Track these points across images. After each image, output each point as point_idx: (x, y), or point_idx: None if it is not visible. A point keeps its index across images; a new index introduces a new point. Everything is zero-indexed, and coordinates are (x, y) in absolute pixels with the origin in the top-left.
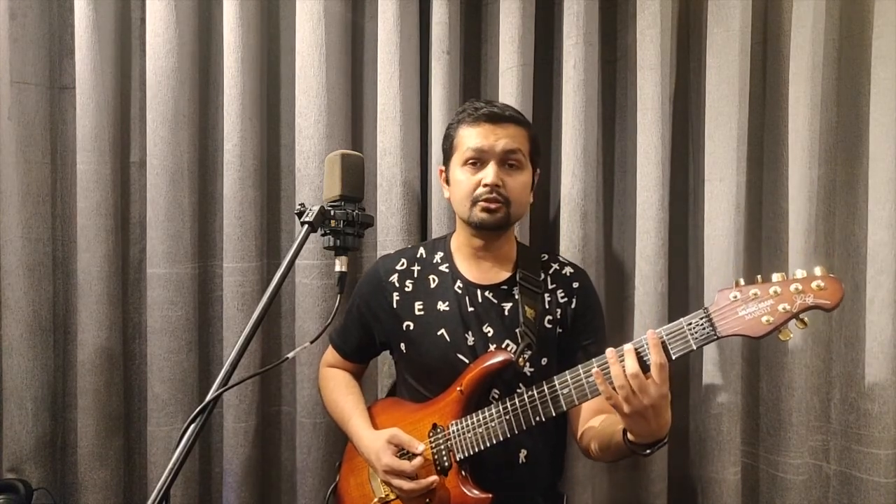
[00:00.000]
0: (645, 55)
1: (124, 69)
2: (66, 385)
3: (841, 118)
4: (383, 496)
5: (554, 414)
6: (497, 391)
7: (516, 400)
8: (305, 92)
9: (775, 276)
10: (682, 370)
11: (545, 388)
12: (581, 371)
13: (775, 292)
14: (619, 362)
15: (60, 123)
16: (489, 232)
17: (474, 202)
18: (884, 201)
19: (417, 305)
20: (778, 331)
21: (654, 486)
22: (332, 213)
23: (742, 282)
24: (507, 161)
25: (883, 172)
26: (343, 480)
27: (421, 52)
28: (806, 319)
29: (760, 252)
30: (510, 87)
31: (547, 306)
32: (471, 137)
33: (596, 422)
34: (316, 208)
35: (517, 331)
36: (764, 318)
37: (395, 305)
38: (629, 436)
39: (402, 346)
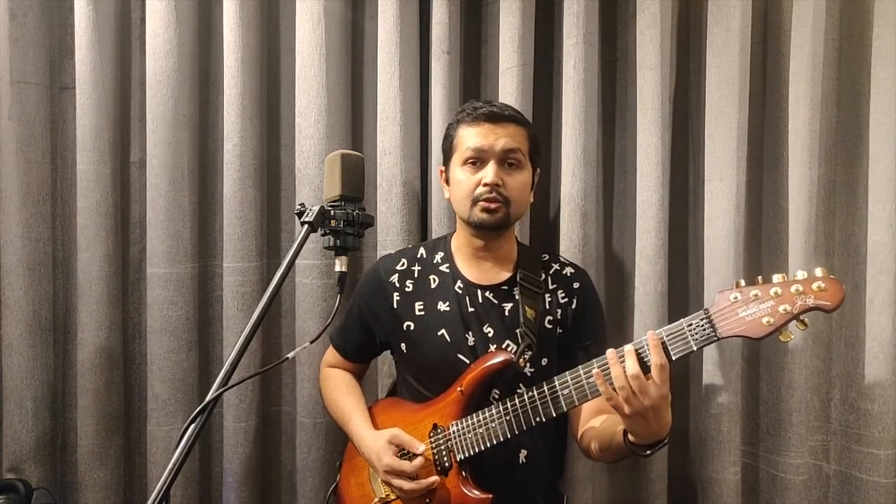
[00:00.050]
0: (645, 55)
1: (124, 69)
2: (66, 384)
3: (841, 118)
4: (384, 496)
5: (554, 414)
6: (497, 391)
7: (516, 400)
8: (305, 92)
9: (776, 277)
10: (682, 370)
11: (545, 388)
12: (581, 372)
13: (776, 293)
14: (620, 363)
15: (60, 123)
16: (489, 232)
17: (474, 202)
18: (884, 201)
19: (418, 305)
20: (778, 332)
21: (654, 486)
22: (332, 213)
23: (742, 283)
24: (506, 160)
25: (883, 172)
26: (343, 480)
27: (421, 52)
28: (806, 320)
29: (760, 252)
30: (510, 87)
31: (547, 307)
32: (470, 137)
33: (596, 422)
34: (316, 208)
35: (517, 331)
36: (764, 320)
37: (395, 305)
38: (629, 436)
39: (403, 346)
